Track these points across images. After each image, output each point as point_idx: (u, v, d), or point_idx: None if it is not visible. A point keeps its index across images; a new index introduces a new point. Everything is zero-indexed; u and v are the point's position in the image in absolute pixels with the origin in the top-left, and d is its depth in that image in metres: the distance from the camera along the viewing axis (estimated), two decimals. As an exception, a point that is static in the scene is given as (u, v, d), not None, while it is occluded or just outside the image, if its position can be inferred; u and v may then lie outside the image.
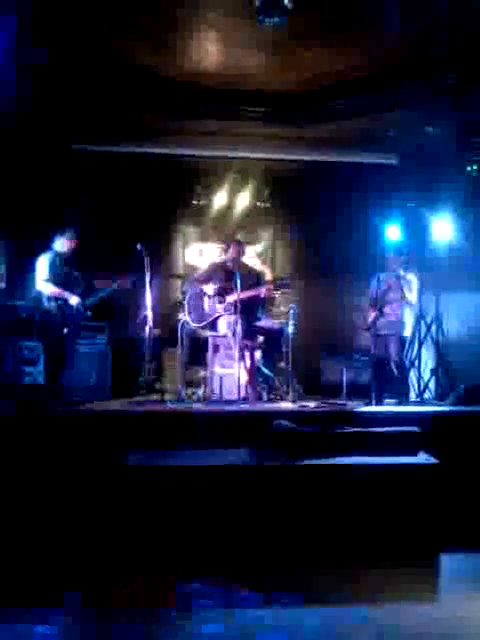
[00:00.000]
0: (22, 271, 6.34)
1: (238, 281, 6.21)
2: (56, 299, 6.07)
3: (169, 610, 3.47)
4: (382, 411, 5.82)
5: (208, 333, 6.60)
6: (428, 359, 7.13)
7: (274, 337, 6.71)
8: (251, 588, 3.72)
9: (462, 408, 5.80)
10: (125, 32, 5.64)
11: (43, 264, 6.11)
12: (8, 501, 4.48)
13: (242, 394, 6.15)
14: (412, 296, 6.57)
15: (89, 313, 6.32)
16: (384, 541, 4.24)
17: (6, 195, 6.68)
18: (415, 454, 4.68)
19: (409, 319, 6.70)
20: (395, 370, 6.53)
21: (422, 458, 4.63)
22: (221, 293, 6.61)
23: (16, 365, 6.19)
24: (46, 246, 6.24)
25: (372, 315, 6.56)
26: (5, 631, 3.28)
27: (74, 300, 6.10)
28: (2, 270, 6.65)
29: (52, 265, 6.12)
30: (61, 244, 6.26)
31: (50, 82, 6.14)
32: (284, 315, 6.77)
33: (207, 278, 6.81)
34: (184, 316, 6.71)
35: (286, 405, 6.11)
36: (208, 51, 5.99)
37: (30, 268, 6.18)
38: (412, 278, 6.59)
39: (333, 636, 3.21)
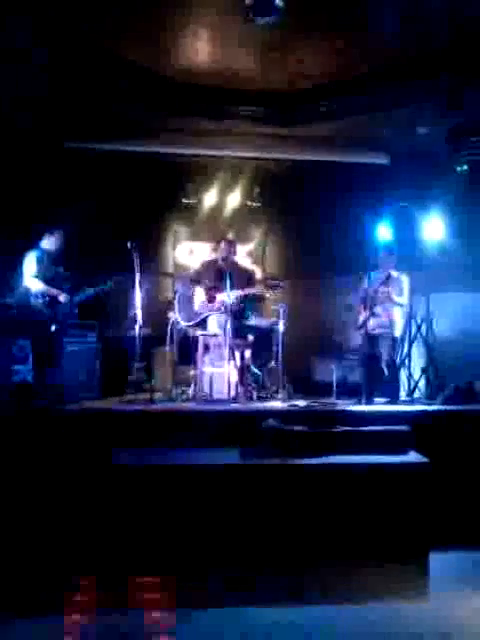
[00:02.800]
0: (9, 269, 6.29)
1: (228, 280, 6.20)
2: (43, 296, 6.03)
3: (163, 610, 3.45)
4: (372, 410, 5.83)
5: (198, 332, 6.58)
6: (418, 358, 7.13)
7: (264, 336, 6.70)
8: (241, 588, 3.71)
9: (452, 407, 5.81)
10: (117, 30, 5.62)
11: (31, 261, 6.07)
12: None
13: (232, 393, 6.13)
14: (403, 297, 6.57)
15: (76, 311, 6.29)
16: (375, 540, 4.23)
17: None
18: (406, 453, 4.68)
19: (400, 319, 6.70)
20: (385, 369, 6.53)
21: (412, 457, 4.63)
22: (212, 292, 6.59)
23: (6, 363, 6.16)
24: (34, 244, 6.20)
25: (363, 314, 6.56)
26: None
27: (63, 297, 6.07)
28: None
29: (40, 262, 6.08)
30: (49, 242, 6.23)
31: (43, 80, 6.10)
32: (274, 314, 6.75)
33: (198, 277, 6.81)
34: (174, 315, 6.68)
35: (276, 404, 6.10)
36: (200, 50, 5.97)
37: (17, 266, 6.14)
38: (403, 278, 6.60)
39: (325, 634, 3.20)
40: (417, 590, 3.80)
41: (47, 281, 6.07)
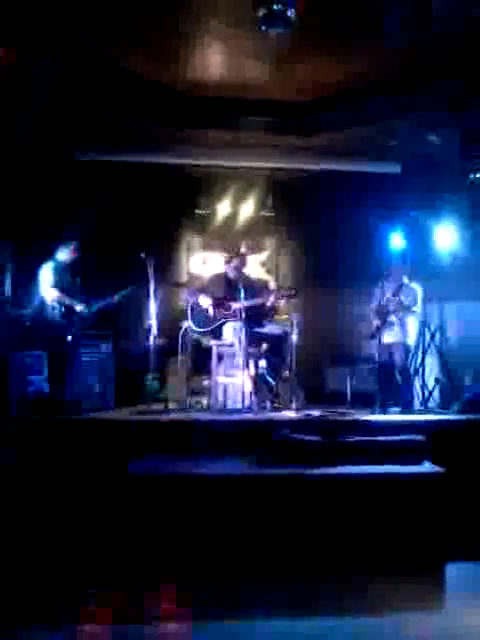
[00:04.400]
0: (26, 280, 6.35)
1: (241, 292, 6.22)
2: (60, 307, 6.08)
3: (177, 621, 3.45)
4: (386, 419, 5.81)
5: (212, 341, 6.60)
6: (432, 367, 7.11)
7: (278, 345, 6.70)
8: (255, 597, 3.70)
9: (466, 416, 5.78)
10: (129, 43, 5.67)
11: (47, 272, 6.13)
12: (10, 508, 4.48)
13: (246, 403, 6.14)
14: (416, 306, 6.56)
15: (92, 321, 6.34)
16: (389, 550, 4.22)
17: (11, 204, 6.71)
18: (420, 463, 4.66)
19: (413, 327, 6.68)
20: (399, 378, 6.52)
21: (427, 467, 4.62)
22: (222, 302, 6.60)
23: (21, 374, 6.20)
24: (49, 255, 6.26)
25: (376, 323, 6.55)
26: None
27: (79, 307, 6.12)
28: (8, 279, 6.66)
29: (55, 273, 6.14)
30: (64, 253, 6.28)
31: (55, 92, 6.17)
32: (288, 323, 6.75)
33: (208, 289, 6.81)
34: (187, 322, 6.70)
35: (290, 413, 6.10)
36: (212, 61, 6.02)
37: (33, 277, 6.20)
38: (415, 287, 6.60)
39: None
40: (431, 601, 3.78)
41: (63, 292, 6.13)
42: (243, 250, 6.99)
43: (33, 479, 4.71)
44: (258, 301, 6.50)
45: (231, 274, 6.73)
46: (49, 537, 4.32)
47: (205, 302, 6.62)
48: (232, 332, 6.46)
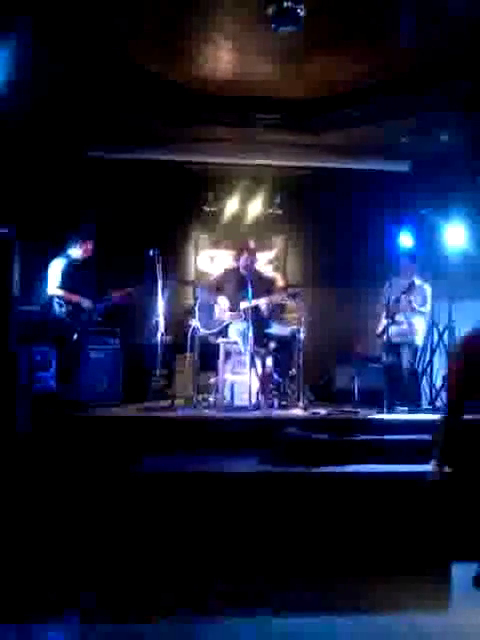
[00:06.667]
0: (34, 276, 6.37)
1: (250, 288, 6.22)
2: (67, 304, 6.10)
3: (178, 616, 3.45)
4: (393, 419, 5.81)
5: (219, 339, 6.61)
6: (440, 367, 7.08)
7: (285, 344, 6.70)
8: (262, 597, 3.70)
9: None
10: (139, 40, 5.68)
11: (55, 271, 6.15)
12: (18, 506, 4.49)
13: (253, 401, 6.14)
14: (425, 306, 6.55)
15: (99, 318, 6.36)
16: (396, 550, 4.21)
17: (21, 201, 6.73)
18: (427, 462, 4.65)
19: (421, 327, 6.67)
20: (407, 378, 6.50)
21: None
22: (232, 301, 6.60)
23: (29, 371, 6.22)
24: (59, 251, 6.28)
25: (384, 322, 6.54)
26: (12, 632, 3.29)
27: (86, 303, 6.14)
28: (16, 276, 6.68)
29: (65, 271, 6.16)
30: (75, 250, 6.30)
31: (65, 90, 6.19)
32: (295, 321, 6.75)
33: (219, 285, 6.82)
34: (195, 322, 6.71)
35: (297, 412, 6.10)
36: (221, 59, 6.01)
37: (42, 273, 6.22)
38: (426, 287, 6.58)
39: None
40: (437, 602, 3.77)
41: (72, 288, 6.15)
42: (252, 245, 6.99)
43: (40, 476, 4.72)
44: (263, 300, 6.49)
45: (242, 269, 6.72)
46: (54, 535, 4.33)
47: (223, 302, 6.63)
48: (236, 332, 6.45)
